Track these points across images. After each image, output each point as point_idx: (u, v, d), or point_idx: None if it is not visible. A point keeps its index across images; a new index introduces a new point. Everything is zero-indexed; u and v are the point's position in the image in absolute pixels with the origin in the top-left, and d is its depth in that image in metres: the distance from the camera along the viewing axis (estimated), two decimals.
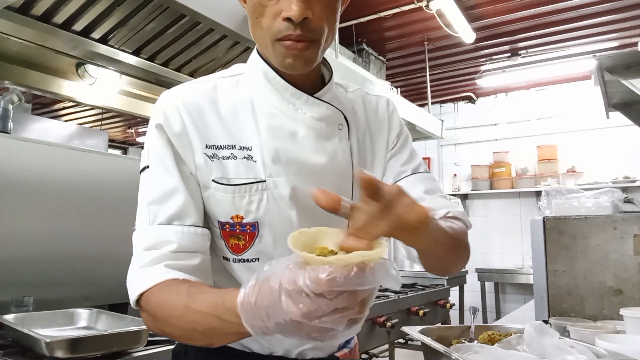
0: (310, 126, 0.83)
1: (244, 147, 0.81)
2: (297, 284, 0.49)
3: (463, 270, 4.57)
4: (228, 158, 0.80)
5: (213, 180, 0.80)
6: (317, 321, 0.49)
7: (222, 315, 0.59)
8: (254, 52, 0.88)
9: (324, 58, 0.86)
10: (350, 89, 0.97)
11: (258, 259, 0.82)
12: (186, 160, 0.80)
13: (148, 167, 0.80)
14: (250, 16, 0.80)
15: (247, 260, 0.82)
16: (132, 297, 0.74)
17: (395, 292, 2.96)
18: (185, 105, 0.81)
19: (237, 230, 0.81)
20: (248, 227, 0.80)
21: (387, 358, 3.79)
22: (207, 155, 0.80)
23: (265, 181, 0.80)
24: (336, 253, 0.52)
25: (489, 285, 5.51)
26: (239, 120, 0.83)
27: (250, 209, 0.80)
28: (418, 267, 4.23)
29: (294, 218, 0.81)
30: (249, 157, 0.81)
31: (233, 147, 0.81)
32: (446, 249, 0.75)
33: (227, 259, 0.83)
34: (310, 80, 0.86)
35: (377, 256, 0.50)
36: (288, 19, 0.73)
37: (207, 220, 0.83)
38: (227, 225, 0.81)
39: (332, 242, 0.55)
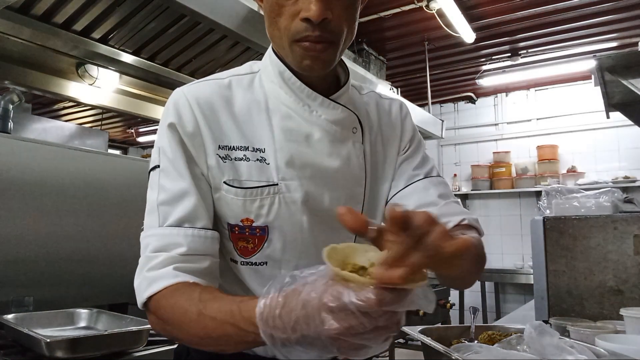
0: (325, 129, 0.82)
1: (257, 149, 0.79)
2: (342, 301, 0.48)
3: None
4: (241, 159, 0.79)
5: (225, 183, 0.78)
6: (358, 338, 0.49)
7: (238, 324, 0.58)
8: (270, 51, 0.86)
9: (340, 58, 0.84)
10: (364, 91, 0.96)
11: (266, 262, 0.81)
12: (198, 160, 0.79)
13: (158, 166, 0.79)
14: (267, 16, 0.78)
15: (255, 264, 0.81)
16: (141, 299, 0.72)
17: None
18: (198, 104, 0.79)
19: (247, 234, 0.79)
20: (258, 230, 0.79)
21: (387, 358, 3.79)
22: (220, 156, 0.78)
23: (277, 184, 0.78)
24: (366, 269, 0.52)
25: (489, 285, 5.50)
26: (252, 121, 0.81)
27: (261, 212, 0.78)
28: None
29: (305, 223, 0.80)
30: (262, 160, 0.79)
31: (246, 148, 0.79)
32: (467, 267, 0.72)
33: (235, 262, 0.82)
34: (327, 81, 0.84)
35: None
36: (307, 20, 0.71)
37: (216, 222, 0.81)
38: (236, 228, 0.79)
39: (360, 258, 0.53)
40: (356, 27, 0.80)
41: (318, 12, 0.70)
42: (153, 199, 0.77)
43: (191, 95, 0.80)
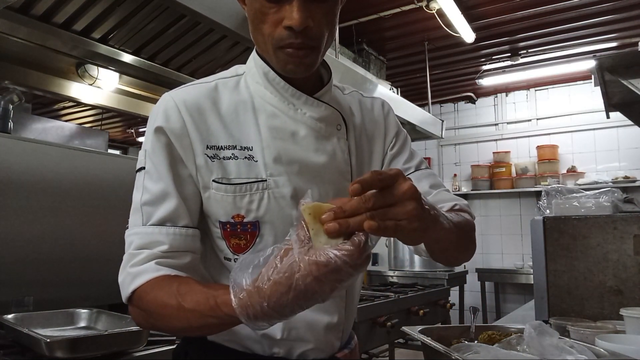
0: (310, 126, 0.85)
1: (244, 147, 0.82)
2: (331, 266, 0.55)
3: (463, 270, 4.57)
4: (229, 158, 0.81)
5: (214, 181, 0.80)
6: (346, 284, 0.57)
7: (218, 315, 0.64)
8: (254, 53, 0.89)
9: (323, 59, 0.87)
10: (346, 91, 0.99)
11: None
12: (186, 161, 0.81)
13: (144, 168, 0.82)
14: (251, 22, 0.81)
15: None
16: (125, 294, 0.76)
17: (395, 292, 2.96)
18: (186, 106, 0.82)
19: (238, 230, 0.81)
20: (249, 226, 0.81)
21: (387, 358, 3.79)
22: (208, 156, 0.81)
23: (266, 180, 0.81)
24: None
25: (489, 285, 5.50)
26: (239, 121, 0.84)
27: (251, 208, 0.80)
28: (418, 268, 4.25)
29: (295, 218, 0.82)
30: (250, 157, 0.81)
31: (234, 147, 0.82)
32: (452, 237, 0.75)
33: (229, 259, 0.84)
34: (310, 81, 0.87)
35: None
36: (289, 28, 0.74)
37: (207, 221, 0.84)
38: (228, 225, 0.81)
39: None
40: (337, 29, 0.84)
41: (300, 21, 0.73)
42: (137, 199, 0.81)
43: (178, 98, 0.83)
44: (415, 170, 0.95)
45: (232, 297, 0.60)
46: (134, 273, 0.75)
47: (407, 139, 1.01)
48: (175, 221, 0.79)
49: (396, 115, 1.03)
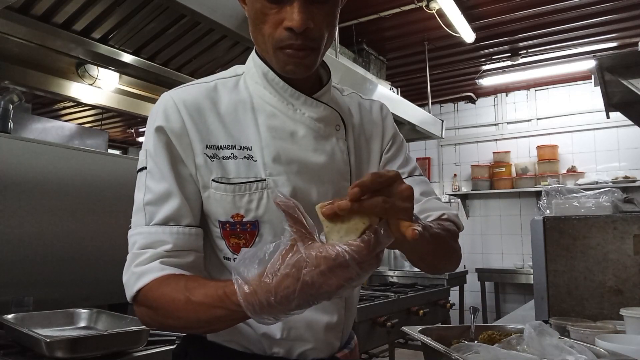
0: (309, 126, 0.85)
1: (244, 147, 0.82)
2: (339, 260, 0.56)
3: (463, 270, 4.57)
4: (228, 158, 0.81)
5: (213, 180, 0.81)
6: (355, 282, 0.58)
7: (228, 307, 0.64)
8: (253, 53, 0.89)
9: (322, 60, 0.87)
10: (345, 93, 0.99)
11: None
12: (186, 160, 0.81)
13: (145, 168, 0.82)
14: (252, 22, 0.81)
15: None
16: (130, 293, 0.76)
17: (395, 292, 2.96)
18: (185, 106, 0.82)
19: (238, 229, 0.81)
20: (248, 225, 0.81)
21: (387, 358, 3.79)
22: (208, 156, 0.81)
23: (265, 180, 0.81)
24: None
25: (489, 285, 5.50)
26: (239, 121, 0.84)
27: (251, 207, 0.81)
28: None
29: None
30: (249, 157, 0.82)
31: (233, 147, 0.82)
32: (429, 247, 0.75)
33: (228, 259, 0.84)
34: (309, 81, 0.87)
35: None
36: (290, 29, 0.75)
37: (207, 220, 0.84)
38: (227, 225, 0.82)
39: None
40: (336, 30, 0.85)
41: (300, 22, 0.74)
42: (140, 199, 0.81)
43: (178, 98, 0.83)
44: (408, 176, 0.95)
45: (237, 290, 0.61)
46: (139, 272, 0.75)
47: (403, 144, 1.01)
48: (179, 220, 0.79)
49: (396, 115, 1.03)
